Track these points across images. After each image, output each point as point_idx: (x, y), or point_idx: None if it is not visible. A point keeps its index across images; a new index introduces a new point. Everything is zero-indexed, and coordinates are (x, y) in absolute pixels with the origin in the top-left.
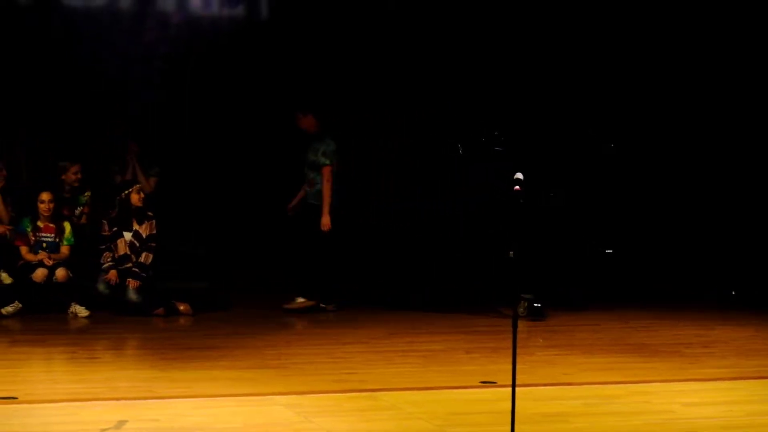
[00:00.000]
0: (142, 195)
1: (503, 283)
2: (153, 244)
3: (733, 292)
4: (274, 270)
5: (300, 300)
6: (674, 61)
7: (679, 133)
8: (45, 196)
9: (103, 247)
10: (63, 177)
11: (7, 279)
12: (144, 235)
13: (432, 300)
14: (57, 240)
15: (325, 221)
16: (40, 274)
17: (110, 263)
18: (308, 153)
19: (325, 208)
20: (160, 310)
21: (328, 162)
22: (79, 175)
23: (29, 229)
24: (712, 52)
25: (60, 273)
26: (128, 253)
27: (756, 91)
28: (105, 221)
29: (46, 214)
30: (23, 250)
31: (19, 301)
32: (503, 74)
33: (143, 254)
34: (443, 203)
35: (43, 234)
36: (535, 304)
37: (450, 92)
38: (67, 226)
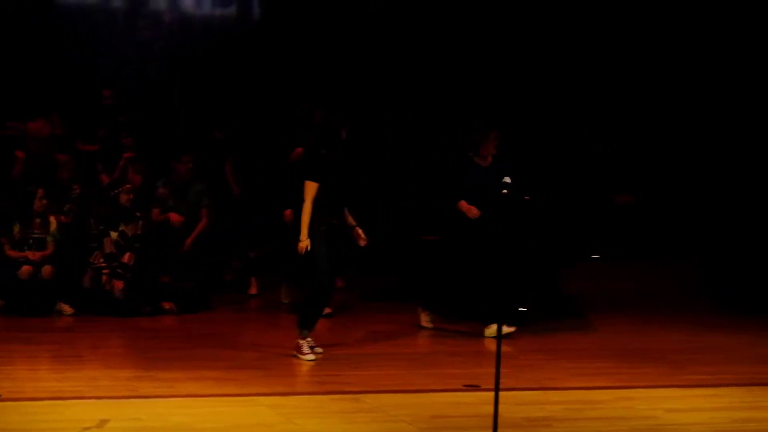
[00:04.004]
0: (131, 196)
1: (490, 287)
2: (137, 245)
3: (726, 297)
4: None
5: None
6: (677, 61)
7: (672, 132)
8: (40, 191)
9: (94, 245)
10: (57, 173)
11: None
12: (129, 235)
13: (422, 300)
14: (43, 235)
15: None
16: (25, 270)
17: (102, 263)
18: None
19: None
20: (146, 309)
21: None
22: (72, 173)
23: (16, 229)
24: (714, 53)
25: (46, 270)
26: (114, 251)
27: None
28: (92, 219)
29: (40, 210)
30: (6, 247)
31: (3, 298)
32: (499, 75)
33: (126, 254)
34: (438, 203)
35: (32, 231)
36: (520, 309)
37: (445, 93)
38: (53, 221)
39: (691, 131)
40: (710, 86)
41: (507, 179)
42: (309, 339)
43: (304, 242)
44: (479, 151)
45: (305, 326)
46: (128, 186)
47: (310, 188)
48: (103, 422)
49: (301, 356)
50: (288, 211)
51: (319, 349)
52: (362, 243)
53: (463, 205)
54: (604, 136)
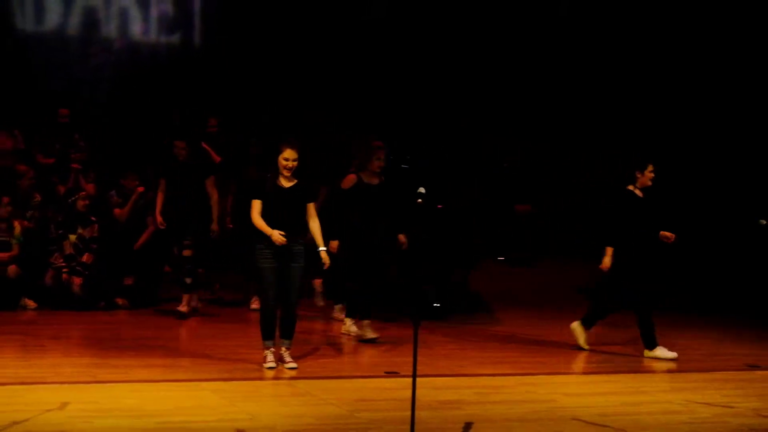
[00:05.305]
0: (87, 202)
1: (406, 283)
2: (94, 246)
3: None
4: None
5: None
6: (578, 88)
7: (564, 150)
8: (5, 199)
9: (54, 248)
10: (18, 182)
11: None
12: (87, 237)
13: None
14: (8, 238)
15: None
16: None
17: (61, 263)
18: None
19: None
20: (101, 304)
21: None
22: (33, 181)
23: None
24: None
25: (11, 269)
26: (73, 253)
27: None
28: (52, 225)
29: (5, 216)
30: None
31: None
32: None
33: (85, 254)
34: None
35: None
36: (435, 304)
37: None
38: (17, 225)
39: (578, 149)
40: (593, 106)
41: (421, 189)
42: (272, 349)
43: (276, 235)
44: (637, 183)
45: (263, 337)
46: (83, 193)
47: (255, 205)
48: (64, 404)
49: (263, 365)
50: (334, 243)
51: (292, 364)
52: (324, 266)
53: (609, 251)
54: (508, 154)
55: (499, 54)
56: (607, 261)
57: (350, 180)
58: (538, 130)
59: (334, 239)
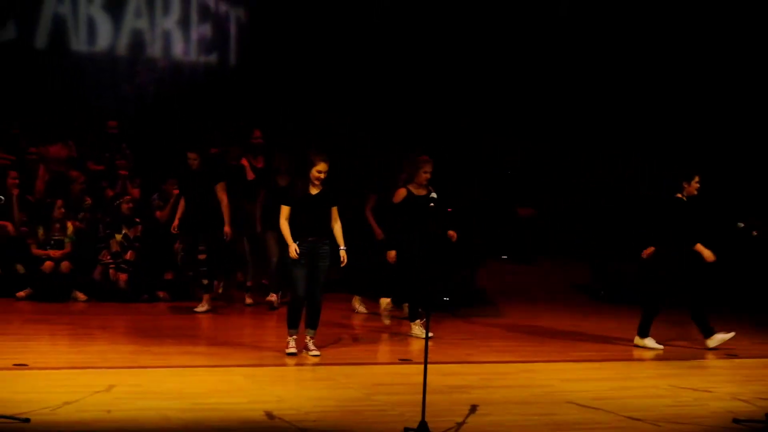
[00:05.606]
0: (131, 205)
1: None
2: (137, 245)
3: (602, 292)
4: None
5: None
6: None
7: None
8: (59, 202)
9: (102, 246)
10: (71, 187)
11: (21, 269)
12: (131, 237)
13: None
14: (61, 237)
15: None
16: (47, 265)
17: (108, 260)
18: None
19: None
20: (144, 297)
21: None
22: (84, 186)
23: (40, 232)
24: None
25: (64, 265)
26: (119, 251)
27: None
28: (101, 225)
29: (59, 217)
30: (33, 247)
31: (31, 287)
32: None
33: (129, 252)
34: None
35: (53, 234)
36: (444, 298)
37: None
38: (70, 226)
39: (578, 149)
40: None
41: (433, 194)
42: (294, 337)
43: (291, 249)
44: (684, 192)
45: (288, 326)
46: (128, 197)
47: (283, 210)
48: (110, 387)
49: (286, 350)
50: (392, 253)
51: (316, 352)
52: (341, 264)
53: (701, 248)
54: (508, 155)
55: (499, 54)
56: (708, 253)
57: (401, 194)
58: (538, 130)
59: (388, 249)
